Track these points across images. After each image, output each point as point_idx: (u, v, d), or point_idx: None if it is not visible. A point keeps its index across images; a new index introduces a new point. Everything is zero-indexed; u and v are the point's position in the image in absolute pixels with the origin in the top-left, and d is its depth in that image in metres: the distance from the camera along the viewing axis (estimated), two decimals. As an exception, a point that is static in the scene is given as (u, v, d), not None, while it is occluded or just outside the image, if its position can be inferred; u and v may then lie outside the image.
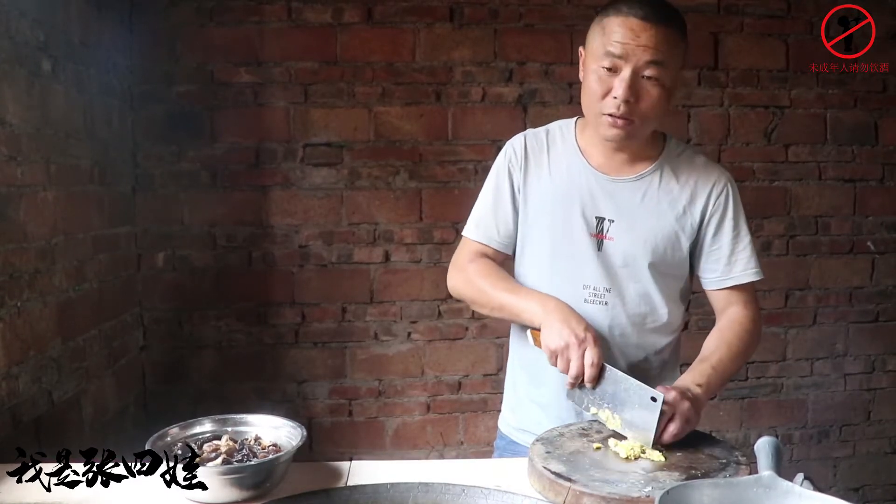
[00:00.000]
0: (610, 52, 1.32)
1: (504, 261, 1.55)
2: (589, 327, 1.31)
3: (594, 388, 1.29)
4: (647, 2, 1.33)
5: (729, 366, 1.40)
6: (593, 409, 1.30)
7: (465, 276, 1.51)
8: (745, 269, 1.47)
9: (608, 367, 1.28)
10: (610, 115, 1.35)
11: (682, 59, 1.39)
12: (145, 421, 2.54)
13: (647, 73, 1.32)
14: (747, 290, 1.49)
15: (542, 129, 1.55)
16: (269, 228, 2.65)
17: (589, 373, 1.27)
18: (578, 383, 1.29)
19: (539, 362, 1.46)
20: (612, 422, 1.27)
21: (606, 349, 1.40)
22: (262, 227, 2.65)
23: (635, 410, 1.24)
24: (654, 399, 1.21)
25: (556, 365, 1.31)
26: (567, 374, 1.30)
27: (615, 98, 1.33)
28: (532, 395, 1.54)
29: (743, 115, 2.84)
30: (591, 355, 1.27)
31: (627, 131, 1.37)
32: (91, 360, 2.15)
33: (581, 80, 1.44)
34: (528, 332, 1.40)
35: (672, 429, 1.23)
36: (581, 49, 1.45)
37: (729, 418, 2.92)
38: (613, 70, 1.33)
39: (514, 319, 1.48)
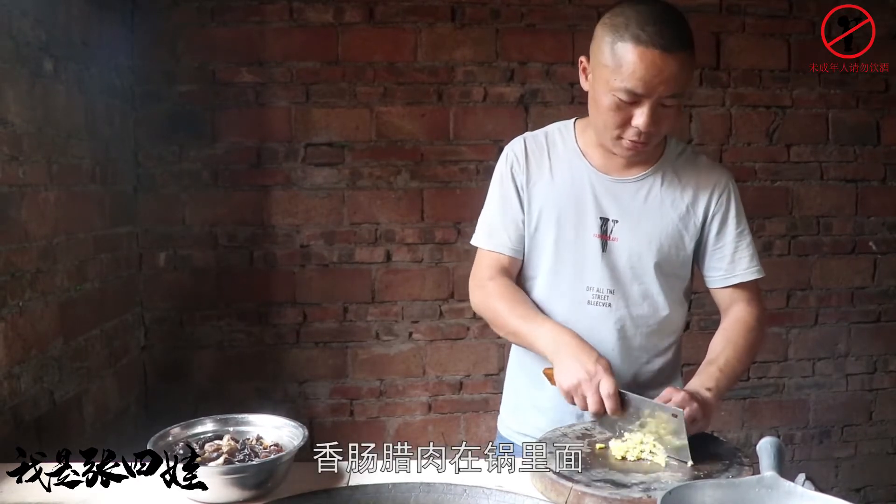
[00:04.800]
0: (630, 90, 1.27)
1: (522, 267, 1.53)
2: (600, 358, 1.28)
3: (619, 416, 1.27)
4: (663, 25, 1.25)
5: (736, 366, 1.40)
6: (627, 435, 1.28)
7: (484, 296, 1.49)
8: (748, 266, 1.47)
9: (626, 393, 1.27)
10: (629, 139, 1.34)
11: (693, 72, 1.37)
12: (146, 421, 2.54)
13: (668, 102, 1.30)
14: (751, 288, 1.49)
15: (540, 132, 1.54)
16: (271, 228, 2.65)
17: (609, 405, 1.24)
18: (602, 415, 1.27)
19: (540, 366, 1.46)
20: (647, 444, 1.25)
21: (608, 353, 1.39)
22: (264, 226, 2.65)
23: (662, 430, 1.23)
24: (675, 416, 1.20)
25: (573, 404, 1.29)
26: (587, 410, 1.27)
27: (635, 126, 1.31)
28: (534, 399, 1.53)
29: (744, 115, 2.83)
30: (605, 386, 1.24)
31: (645, 149, 1.38)
32: (92, 360, 2.15)
33: (585, 88, 1.40)
34: (542, 371, 1.39)
35: None
36: (583, 59, 1.39)
37: (730, 418, 2.92)
38: (633, 102, 1.29)
39: (528, 348, 1.45)
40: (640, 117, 1.30)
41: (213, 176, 2.61)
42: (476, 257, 1.55)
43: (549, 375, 1.35)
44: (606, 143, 1.40)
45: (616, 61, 1.27)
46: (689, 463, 1.20)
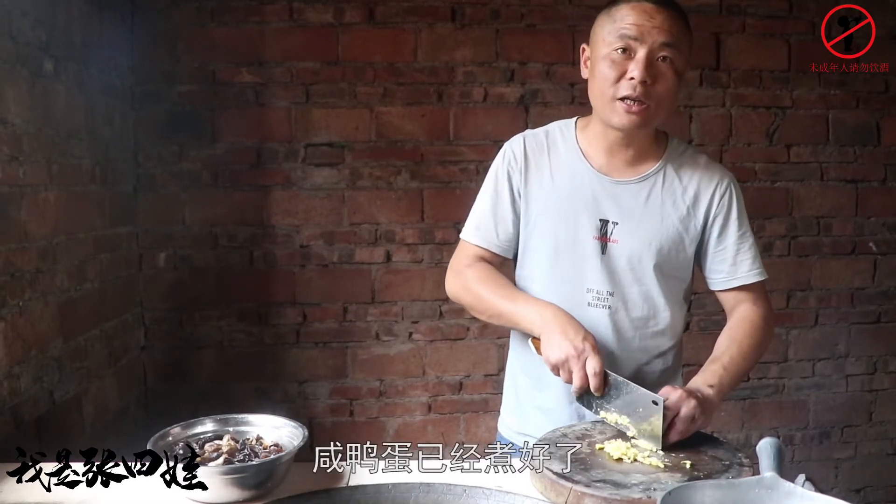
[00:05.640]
0: (624, 34, 1.32)
1: (502, 264, 1.53)
2: (587, 335, 1.30)
3: (601, 395, 1.28)
4: None
5: (741, 364, 1.40)
6: (603, 413, 1.30)
7: (463, 282, 1.49)
8: (750, 269, 1.46)
9: (610, 373, 1.28)
10: (624, 98, 1.33)
11: (689, 52, 1.38)
12: (146, 421, 2.54)
13: (662, 54, 1.32)
14: (756, 288, 1.48)
15: (541, 131, 1.53)
16: (271, 228, 2.65)
17: (593, 382, 1.26)
18: (584, 391, 1.29)
19: (541, 367, 1.46)
20: (622, 426, 1.28)
21: (608, 354, 1.40)
22: (264, 227, 2.65)
23: (641, 416, 1.24)
24: (655, 403, 1.21)
25: (558, 376, 1.31)
26: (570, 384, 1.29)
27: (631, 79, 1.32)
28: (535, 399, 1.53)
29: (745, 116, 2.83)
30: (592, 364, 1.26)
31: (643, 117, 1.35)
32: (92, 360, 2.15)
33: (585, 76, 1.43)
34: (530, 340, 1.40)
35: (677, 426, 1.23)
36: (584, 46, 1.43)
37: (730, 419, 2.92)
38: (627, 52, 1.32)
39: (513, 327, 1.47)
40: (635, 68, 1.32)
41: (213, 176, 2.61)
42: (458, 247, 1.56)
43: (537, 345, 1.36)
44: (605, 113, 1.38)
45: (611, 19, 1.35)
46: (657, 449, 1.22)
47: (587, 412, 1.40)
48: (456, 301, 1.56)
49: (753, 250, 1.47)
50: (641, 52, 1.32)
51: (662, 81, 1.34)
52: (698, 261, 1.50)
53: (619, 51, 1.33)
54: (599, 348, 1.31)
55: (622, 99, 1.34)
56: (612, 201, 1.44)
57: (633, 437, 1.26)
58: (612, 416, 1.29)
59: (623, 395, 1.27)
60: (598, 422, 1.36)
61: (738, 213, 1.47)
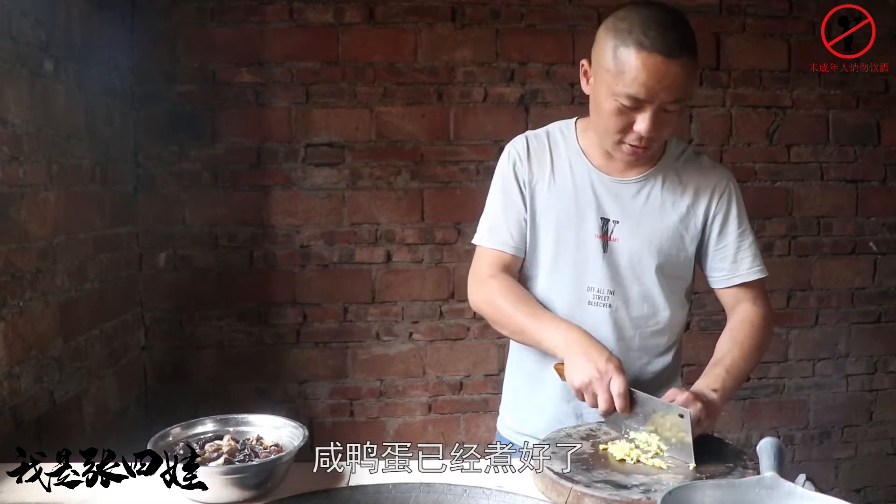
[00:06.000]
0: (632, 95, 1.26)
1: (521, 268, 1.52)
2: (611, 357, 1.28)
3: (627, 414, 1.27)
4: (666, 30, 1.25)
5: (742, 366, 1.39)
6: (632, 434, 1.28)
7: (486, 293, 1.47)
8: (751, 266, 1.46)
9: (635, 392, 1.27)
10: (630, 143, 1.34)
11: (697, 76, 1.38)
12: (146, 421, 2.54)
13: (670, 108, 1.29)
14: (756, 287, 1.48)
15: (542, 131, 1.54)
16: (271, 228, 2.65)
17: (619, 403, 1.24)
18: (611, 413, 1.28)
19: (538, 365, 1.46)
20: (653, 445, 1.25)
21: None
22: (264, 227, 2.65)
23: (668, 430, 1.23)
24: (681, 416, 1.20)
25: (583, 400, 1.30)
26: (597, 408, 1.28)
27: (637, 132, 1.30)
28: (532, 399, 1.53)
29: (745, 116, 2.83)
30: (616, 385, 1.24)
31: (646, 155, 1.39)
32: (92, 360, 2.15)
33: (587, 92, 1.40)
34: (553, 366, 1.39)
35: None
36: (584, 62, 1.38)
37: (730, 419, 2.92)
38: (635, 107, 1.29)
39: (535, 346, 1.44)
40: (641, 123, 1.30)
41: (213, 176, 2.61)
42: (475, 254, 1.54)
43: (560, 371, 1.35)
44: (607, 147, 1.40)
45: (618, 66, 1.27)
46: (692, 465, 1.20)
47: (585, 411, 1.40)
48: (477, 311, 1.54)
49: (754, 248, 1.48)
50: (649, 111, 1.28)
51: (667, 127, 1.33)
52: (699, 259, 1.51)
53: (625, 105, 1.29)
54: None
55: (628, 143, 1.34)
56: (613, 200, 1.44)
57: (664, 457, 1.23)
58: (640, 437, 1.27)
59: (649, 411, 1.26)
60: (601, 422, 1.36)
61: (737, 211, 1.47)
